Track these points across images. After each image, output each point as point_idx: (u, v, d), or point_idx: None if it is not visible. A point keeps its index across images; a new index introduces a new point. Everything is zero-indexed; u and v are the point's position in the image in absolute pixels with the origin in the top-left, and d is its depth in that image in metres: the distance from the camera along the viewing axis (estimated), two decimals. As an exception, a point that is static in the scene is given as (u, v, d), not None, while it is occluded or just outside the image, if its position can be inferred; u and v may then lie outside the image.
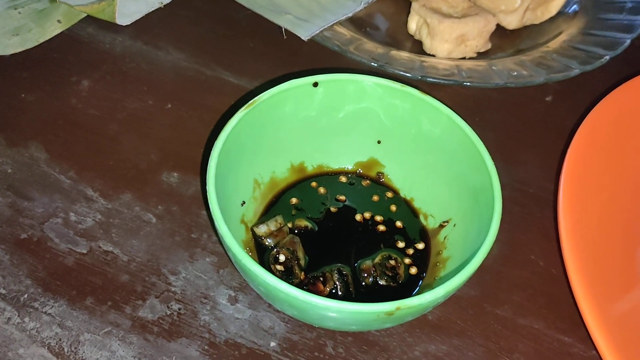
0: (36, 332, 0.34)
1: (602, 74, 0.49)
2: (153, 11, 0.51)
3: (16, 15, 0.45)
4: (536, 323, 0.36)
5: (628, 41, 0.49)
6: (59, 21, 0.47)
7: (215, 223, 0.30)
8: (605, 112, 0.42)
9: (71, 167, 0.41)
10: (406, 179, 0.40)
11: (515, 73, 0.46)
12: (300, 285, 0.35)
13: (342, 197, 0.39)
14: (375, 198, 0.40)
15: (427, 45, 0.50)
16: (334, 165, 0.41)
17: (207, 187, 0.32)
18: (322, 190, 0.40)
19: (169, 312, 0.35)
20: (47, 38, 0.47)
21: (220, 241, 0.37)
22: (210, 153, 0.33)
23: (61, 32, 0.49)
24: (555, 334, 0.36)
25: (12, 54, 0.46)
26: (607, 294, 0.35)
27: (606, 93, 0.45)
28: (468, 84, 0.45)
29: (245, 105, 0.35)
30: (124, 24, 0.46)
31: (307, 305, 0.29)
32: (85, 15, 0.48)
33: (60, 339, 0.34)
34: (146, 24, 0.51)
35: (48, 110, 0.45)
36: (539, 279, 0.38)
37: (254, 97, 0.36)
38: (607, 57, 0.47)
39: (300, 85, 0.37)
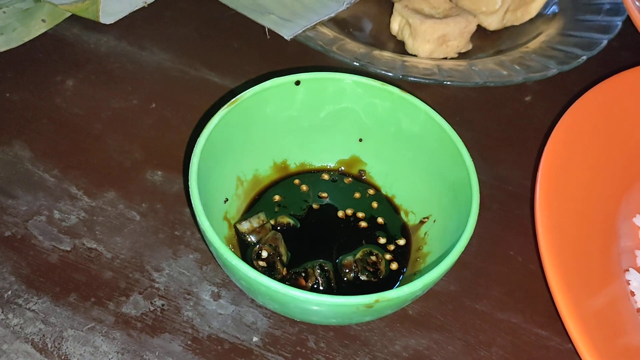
0: (20, 328, 0.34)
1: (580, 74, 0.50)
2: (138, 12, 0.51)
3: (1, 15, 0.45)
4: (514, 317, 0.37)
5: (605, 42, 0.50)
6: (43, 20, 0.47)
7: (198, 218, 0.31)
8: (581, 111, 0.43)
9: (55, 166, 0.42)
10: (387, 176, 0.40)
11: (495, 72, 0.47)
12: (283, 280, 0.35)
13: (325, 195, 0.40)
14: (357, 195, 0.40)
15: (409, 46, 0.51)
16: (317, 163, 0.41)
17: (189, 183, 0.32)
18: (304, 187, 0.40)
19: (152, 308, 0.36)
20: (31, 37, 0.47)
21: (202, 237, 0.37)
22: (192, 151, 0.33)
23: (46, 33, 0.49)
24: (533, 327, 0.37)
25: (-4, 54, 0.47)
26: (582, 289, 0.36)
27: (583, 93, 0.46)
28: (448, 83, 0.46)
29: (228, 103, 0.36)
30: (107, 23, 0.46)
31: (287, 298, 0.29)
32: (70, 15, 0.49)
33: (44, 335, 0.34)
34: (131, 25, 0.51)
35: (32, 109, 0.45)
36: (517, 275, 0.39)
37: (235, 96, 0.36)
38: (584, 57, 0.48)
39: (282, 84, 0.37)
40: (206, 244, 0.37)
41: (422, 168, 0.38)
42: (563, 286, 0.35)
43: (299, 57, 0.50)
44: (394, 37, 0.54)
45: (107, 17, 0.46)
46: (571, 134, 0.42)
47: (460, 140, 0.35)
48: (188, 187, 0.32)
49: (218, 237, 0.30)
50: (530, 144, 0.46)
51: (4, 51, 0.47)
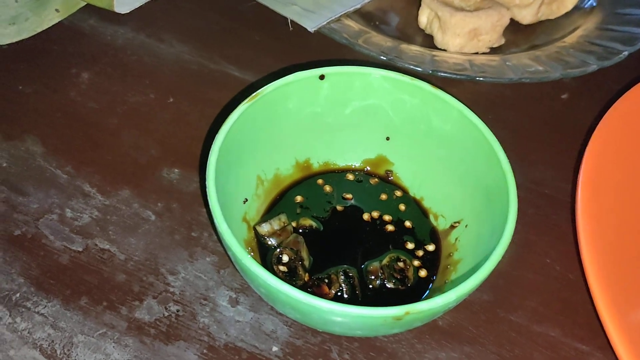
0: (28, 333, 0.32)
1: (618, 71, 0.47)
2: (156, 3, 0.50)
3: (13, 4, 0.44)
4: (552, 330, 0.35)
5: (647, 37, 0.47)
6: (57, 10, 0.45)
7: (215, 221, 0.29)
8: (625, 110, 0.40)
9: (68, 162, 0.40)
10: (416, 177, 0.38)
11: (531, 68, 0.44)
12: (304, 287, 0.33)
13: (349, 196, 0.38)
14: (384, 197, 0.38)
15: (438, 40, 0.49)
16: (341, 162, 0.39)
17: (206, 182, 0.30)
18: (328, 188, 0.38)
19: (166, 314, 0.34)
20: (44, 28, 0.46)
21: (220, 240, 0.35)
22: (210, 148, 0.31)
23: (62, 23, 0.47)
24: (573, 342, 0.34)
25: (9, 45, 0.45)
26: (628, 299, 0.33)
27: (624, 91, 0.43)
28: (481, 79, 0.43)
29: (248, 98, 0.34)
30: (122, 12, 0.44)
31: (310, 308, 0.27)
32: (85, 5, 0.47)
33: (52, 341, 0.32)
34: (149, 16, 0.50)
35: (46, 103, 0.43)
36: (554, 284, 0.37)
37: (256, 90, 0.34)
38: (626, 53, 0.45)
39: (306, 78, 0.35)
40: (223, 248, 0.35)
41: (454, 169, 0.36)
42: (607, 298, 0.33)
43: (322, 51, 0.48)
44: (422, 30, 0.51)
45: (122, 6, 0.44)
46: (614, 133, 0.39)
47: (496, 140, 0.33)
48: (205, 186, 0.30)
49: (237, 241, 0.28)
50: (568, 144, 0.43)
51: (18, 42, 0.45)
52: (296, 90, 0.35)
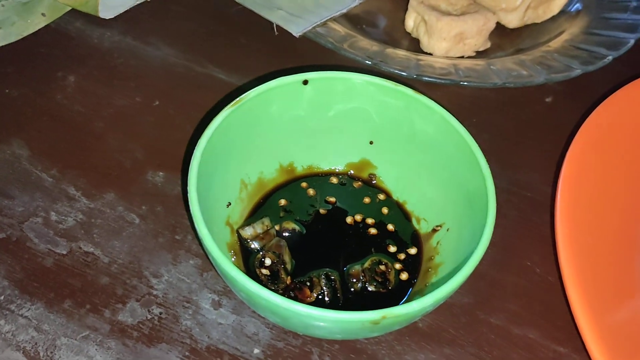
0: (11, 335, 0.33)
1: (604, 75, 0.47)
2: (143, 6, 0.50)
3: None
4: (531, 332, 0.35)
5: (632, 41, 0.47)
6: (43, 14, 0.45)
7: (195, 224, 0.29)
8: (606, 115, 0.41)
9: (54, 165, 0.40)
10: (399, 181, 0.38)
11: (515, 73, 0.45)
12: (286, 290, 0.33)
13: (333, 199, 0.38)
14: (367, 200, 0.38)
15: (425, 44, 0.49)
16: (325, 166, 0.39)
17: (188, 187, 0.30)
18: (311, 191, 0.38)
19: (149, 317, 0.34)
20: (31, 31, 0.46)
21: (201, 244, 0.36)
22: (193, 152, 0.32)
23: (48, 26, 0.47)
24: (551, 344, 0.35)
25: (-4, 48, 0.45)
26: (603, 303, 0.34)
27: (608, 95, 0.43)
28: (465, 83, 0.44)
29: (232, 103, 0.34)
30: (107, 17, 0.45)
31: (289, 313, 0.27)
32: (71, 8, 0.47)
33: (36, 343, 0.32)
34: (136, 19, 0.50)
35: (32, 106, 0.43)
36: (535, 287, 0.37)
37: (241, 94, 0.34)
38: (610, 58, 0.46)
39: (289, 83, 0.35)
40: (204, 252, 0.36)
41: (436, 173, 0.36)
42: (583, 300, 0.33)
43: (308, 54, 0.48)
44: (409, 34, 0.52)
45: (107, 11, 0.44)
46: (595, 138, 0.39)
47: (477, 145, 0.33)
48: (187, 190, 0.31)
49: (216, 245, 0.28)
50: (551, 147, 0.44)
51: (4, 46, 0.45)
52: (279, 95, 0.36)
